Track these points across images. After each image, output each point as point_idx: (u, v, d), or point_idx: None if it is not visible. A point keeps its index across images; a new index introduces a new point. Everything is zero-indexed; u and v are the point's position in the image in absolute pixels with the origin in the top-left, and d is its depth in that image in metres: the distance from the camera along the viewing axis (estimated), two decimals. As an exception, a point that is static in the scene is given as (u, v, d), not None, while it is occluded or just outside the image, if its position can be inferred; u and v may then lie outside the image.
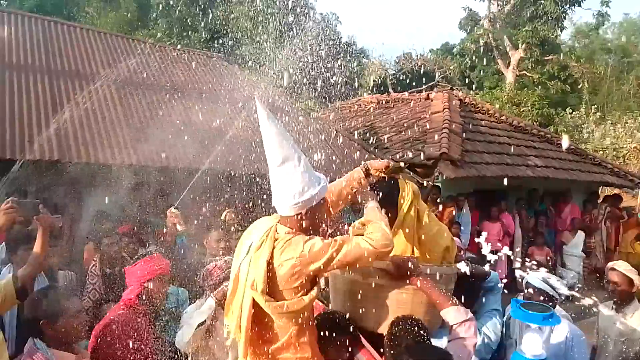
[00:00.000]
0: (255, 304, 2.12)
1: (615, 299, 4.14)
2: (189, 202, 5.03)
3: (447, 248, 2.64)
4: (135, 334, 2.80)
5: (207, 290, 3.09)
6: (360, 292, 2.40)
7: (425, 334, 2.14)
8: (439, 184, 8.31)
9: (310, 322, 2.27)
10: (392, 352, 2.13)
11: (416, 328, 2.14)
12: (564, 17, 20.44)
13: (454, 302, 2.23)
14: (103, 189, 5.98)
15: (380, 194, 2.53)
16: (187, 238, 4.79)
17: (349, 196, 2.54)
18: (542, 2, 19.26)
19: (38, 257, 2.95)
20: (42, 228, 2.96)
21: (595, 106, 20.88)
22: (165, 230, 4.80)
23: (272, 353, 2.17)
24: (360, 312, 2.41)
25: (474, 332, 2.15)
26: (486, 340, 2.79)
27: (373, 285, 2.36)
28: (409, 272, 2.28)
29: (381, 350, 2.25)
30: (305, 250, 2.08)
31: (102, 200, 6.06)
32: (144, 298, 2.93)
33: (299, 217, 2.18)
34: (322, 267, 2.11)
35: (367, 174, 2.56)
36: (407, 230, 2.56)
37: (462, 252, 5.80)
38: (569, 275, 9.47)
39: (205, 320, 2.85)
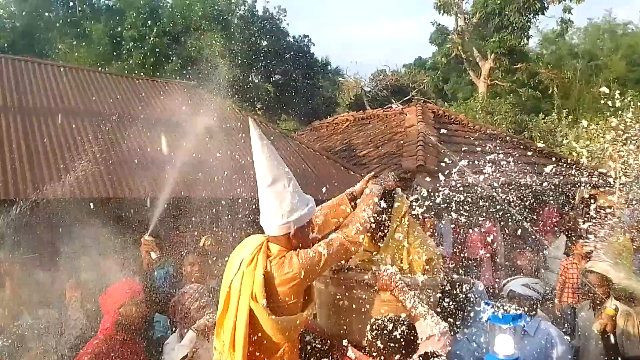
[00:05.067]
0: (251, 320, 2.12)
1: (593, 300, 4.23)
2: (167, 231, 5.01)
3: (429, 260, 2.68)
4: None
5: (179, 321, 3.09)
6: (343, 305, 2.45)
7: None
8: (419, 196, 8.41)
9: (298, 339, 2.33)
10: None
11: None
12: (529, 26, 21.04)
13: (429, 313, 2.25)
14: (82, 224, 5.94)
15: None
16: (168, 267, 4.77)
17: (335, 223, 2.60)
18: (507, 13, 19.82)
19: (10, 304, 2.96)
20: (9, 276, 2.97)
21: (567, 110, 21.37)
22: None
23: None
24: (345, 325, 2.45)
25: (442, 347, 2.14)
26: (477, 352, 2.82)
27: (355, 298, 2.42)
28: (388, 284, 2.33)
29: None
30: (302, 261, 2.15)
31: (82, 236, 6.01)
32: (120, 325, 2.89)
33: (287, 236, 2.23)
34: (320, 272, 2.24)
35: (353, 197, 2.64)
36: (400, 238, 2.63)
37: (447, 261, 5.87)
38: (552, 278, 9.59)
39: (187, 354, 2.85)
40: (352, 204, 2.61)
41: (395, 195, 2.72)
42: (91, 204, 5.97)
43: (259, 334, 2.15)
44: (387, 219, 2.65)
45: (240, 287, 2.17)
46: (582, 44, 28.96)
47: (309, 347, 2.38)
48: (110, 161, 6.41)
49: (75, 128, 6.87)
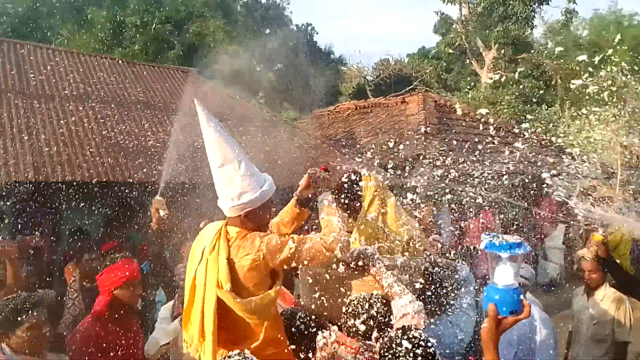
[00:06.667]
0: (220, 306, 2.13)
1: (586, 286, 4.27)
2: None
3: (410, 239, 2.70)
4: (102, 345, 2.79)
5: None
6: (324, 283, 2.48)
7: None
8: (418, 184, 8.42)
9: (278, 316, 2.36)
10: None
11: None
12: (533, 16, 20.88)
13: (404, 292, 2.26)
14: (81, 206, 6.00)
15: (345, 187, 2.65)
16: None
17: (294, 222, 2.57)
18: (511, 2, 19.68)
19: (11, 287, 3.00)
20: (8, 259, 3.01)
21: (570, 101, 21.24)
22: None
23: (253, 352, 2.13)
24: (326, 303, 2.49)
25: (416, 325, 2.12)
26: (459, 335, 2.84)
27: (335, 277, 2.44)
28: (367, 263, 2.36)
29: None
30: (263, 246, 2.14)
31: (81, 218, 6.08)
32: (114, 306, 2.91)
33: (241, 217, 2.23)
34: (279, 263, 2.17)
35: (300, 202, 2.55)
36: (372, 219, 2.65)
37: (443, 248, 5.89)
38: (550, 267, 9.64)
39: (169, 342, 2.90)
40: (299, 204, 2.54)
41: (362, 176, 2.71)
42: (91, 187, 6.03)
43: (231, 319, 2.16)
44: (356, 197, 2.67)
45: (205, 276, 2.17)
46: (587, 35, 28.73)
47: (300, 324, 2.40)
48: (111, 145, 6.45)
49: (76, 112, 6.90)
